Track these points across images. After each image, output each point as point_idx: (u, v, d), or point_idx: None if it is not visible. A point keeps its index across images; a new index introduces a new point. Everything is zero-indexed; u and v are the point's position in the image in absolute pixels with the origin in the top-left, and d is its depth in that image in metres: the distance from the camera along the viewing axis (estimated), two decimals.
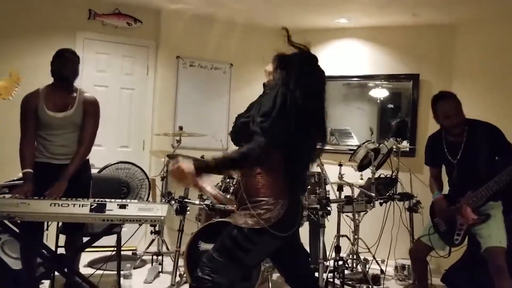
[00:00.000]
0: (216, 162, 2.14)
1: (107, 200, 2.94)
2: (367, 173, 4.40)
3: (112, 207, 2.87)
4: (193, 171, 2.11)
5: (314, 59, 2.32)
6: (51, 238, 3.82)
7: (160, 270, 4.51)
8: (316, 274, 3.81)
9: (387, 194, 4.37)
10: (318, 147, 2.38)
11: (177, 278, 3.99)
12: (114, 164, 4.66)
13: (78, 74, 3.51)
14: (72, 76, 3.44)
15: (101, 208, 2.85)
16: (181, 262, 3.90)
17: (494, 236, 3.14)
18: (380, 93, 5.57)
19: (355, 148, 4.45)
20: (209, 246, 3.61)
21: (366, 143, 4.36)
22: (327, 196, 4.04)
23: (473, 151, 3.26)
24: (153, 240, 4.80)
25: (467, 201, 3.23)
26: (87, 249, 3.48)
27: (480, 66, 4.81)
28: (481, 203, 3.18)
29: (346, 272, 4.38)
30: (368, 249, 4.60)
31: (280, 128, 2.11)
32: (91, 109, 3.46)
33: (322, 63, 2.31)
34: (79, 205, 2.85)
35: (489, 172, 3.13)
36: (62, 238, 3.60)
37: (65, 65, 3.39)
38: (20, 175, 3.41)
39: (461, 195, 3.30)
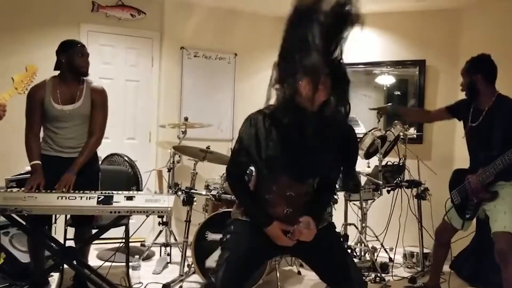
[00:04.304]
0: None
1: (114, 192, 2.95)
2: (374, 160, 4.38)
3: (119, 199, 2.89)
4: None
5: None
6: (60, 231, 3.84)
7: (168, 261, 4.53)
8: None
9: (394, 182, 4.35)
10: None
11: (185, 269, 4.00)
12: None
13: None
14: (88, 69, 3.38)
15: (108, 200, 2.86)
16: (189, 252, 3.91)
17: (500, 220, 3.15)
18: (386, 79, 5.53)
19: (361, 135, 4.42)
20: (216, 236, 3.62)
21: (372, 131, 4.32)
22: None
23: (492, 121, 3.27)
24: (161, 231, 4.80)
25: (477, 176, 3.26)
26: (95, 241, 3.48)
27: (486, 49, 4.71)
28: (490, 180, 3.20)
29: (354, 260, 4.39)
30: (376, 237, 4.59)
31: None
32: (99, 99, 3.38)
33: None
34: (86, 197, 2.86)
35: (501, 151, 3.13)
36: (71, 231, 3.61)
37: (82, 56, 3.33)
38: (27, 168, 3.39)
39: (474, 169, 3.33)
